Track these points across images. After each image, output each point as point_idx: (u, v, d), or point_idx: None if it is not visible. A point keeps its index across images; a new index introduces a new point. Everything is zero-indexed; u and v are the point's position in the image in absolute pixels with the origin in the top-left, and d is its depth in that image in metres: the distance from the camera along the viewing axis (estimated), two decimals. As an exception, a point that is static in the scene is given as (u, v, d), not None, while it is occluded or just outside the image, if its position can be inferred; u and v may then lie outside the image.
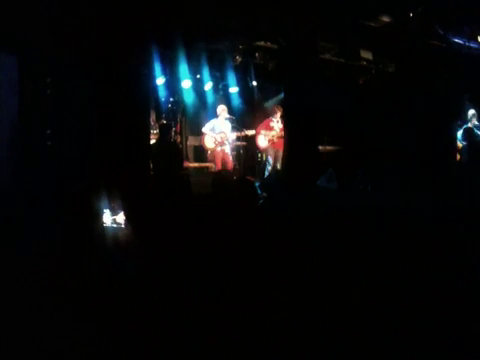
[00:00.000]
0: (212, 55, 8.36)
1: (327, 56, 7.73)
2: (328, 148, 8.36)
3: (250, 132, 8.67)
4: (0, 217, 3.29)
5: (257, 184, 6.55)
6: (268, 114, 8.80)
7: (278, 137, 8.44)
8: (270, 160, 8.59)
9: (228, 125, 8.54)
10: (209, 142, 8.53)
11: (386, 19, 6.34)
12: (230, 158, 8.62)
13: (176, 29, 6.14)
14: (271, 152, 8.59)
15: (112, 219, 3.05)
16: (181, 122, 9.53)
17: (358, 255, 2.47)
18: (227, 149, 8.54)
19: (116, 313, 2.17)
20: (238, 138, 8.79)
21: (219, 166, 8.35)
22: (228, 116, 8.54)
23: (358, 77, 7.93)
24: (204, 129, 8.56)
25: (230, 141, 8.58)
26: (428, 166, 5.25)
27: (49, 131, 4.86)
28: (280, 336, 2.03)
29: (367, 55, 7.25)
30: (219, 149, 8.47)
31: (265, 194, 4.46)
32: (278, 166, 8.44)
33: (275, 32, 6.60)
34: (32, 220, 3.04)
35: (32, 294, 2.23)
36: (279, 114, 8.46)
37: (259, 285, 2.30)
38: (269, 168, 8.56)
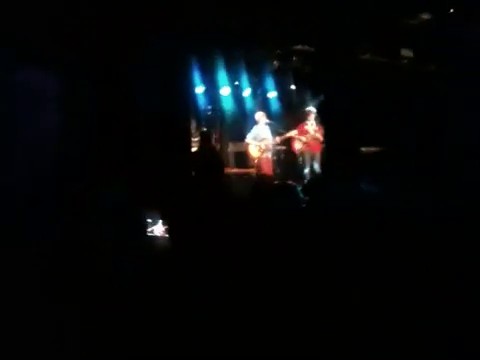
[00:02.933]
0: (250, 61, 8.43)
1: (367, 56, 7.62)
2: (371, 149, 8.22)
3: (290, 133, 8.68)
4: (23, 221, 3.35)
5: (299, 188, 6.57)
6: (304, 118, 8.78)
7: (312, 139, 8.43)
8: (307, 163, 8.57)
9: (268, 131, 8.60)
10: (254, 150, 8.63)
11: (426, 16, 6.20)
12: (271, 165, 8.69)
13: (213, 38, 6.22)
14: (307, 155, 8.59)
15: (151, 230, 3.05)
16: (221, 129, 9.63)
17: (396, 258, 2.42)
18: (270, 155, 8.61)
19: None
20: (278, 143, 8.83)
21: (265, 172, 8.43)
22: (267, 121, 8.60)
23: (399, 76, 7.76)
24: (248, 139, 8.68)
25: (271, 147, 8.63)
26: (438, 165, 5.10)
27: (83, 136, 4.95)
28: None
29: (408, 53, 7.10)
30: (263, 156, 8.55)
31: (307, 198, 4.43)
32: (316, 168, 8.43)
33: (310, 35, 6.57)
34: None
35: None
36: (313, 117, 8.44)
37: (304, 293, 2.29)
38: (306, 171, 8.53)
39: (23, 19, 4.33)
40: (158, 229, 2.93)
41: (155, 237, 2.89)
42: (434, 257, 2.34)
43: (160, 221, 2.84)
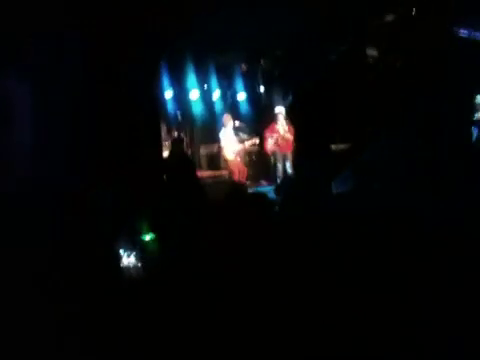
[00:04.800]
0: (218, 64, 8.45)
1: (333, 57, 7.73)
2: (341, 147, 8.35)
3: (253, 141, 8.77)
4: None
5: (271, 188, 6.63)
6: (274, 118, 8.85)
7: (282, 139, 8.52)
8: (279, 163, 8.65)
9: (233, 134, 8.65)
10: (229, 153, 8.64)
11: (390, 17, 6.33)
12: (244, 166, 8.74)
13: (182, 41, 6.19)
14: (279, 155, 8.66)
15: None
16: (191, 132, 9.61)
17: (377, 259, 2.46)
18: (240, 158, 8.67)
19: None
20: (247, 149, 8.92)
21: (236, 175, 8.45)
22: (234, 124, 8.67)
23: (366, 74, 7.90)
24: (222, 142, 8.67)
25: (241, 150, 8.71)
26: (439, 165, 5.21)
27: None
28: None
29: (373, 52, 7.24)
30: (235, 158, 8.60)
31: (279, 198, 4.47)
32: (287, 168, 8.52)
33: (280, 37, 6.63)
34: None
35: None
36: (283, 117, 8.52)
37: (277, 294, 2.30)
38: (278, 171, 8.61)
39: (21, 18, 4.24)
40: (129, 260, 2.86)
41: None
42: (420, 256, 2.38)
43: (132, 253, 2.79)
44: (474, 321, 2.00)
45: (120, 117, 5.27)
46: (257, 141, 8.80)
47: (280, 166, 8.62)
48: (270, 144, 8.68)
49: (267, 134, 8.71)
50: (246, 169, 8.81)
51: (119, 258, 2.82)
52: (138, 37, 5.39)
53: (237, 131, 8.69)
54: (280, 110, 8.59)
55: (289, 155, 8.53)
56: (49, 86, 4.85)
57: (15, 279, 2.40)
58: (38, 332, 2.10)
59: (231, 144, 8.63)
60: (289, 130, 8.48)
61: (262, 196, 3.27)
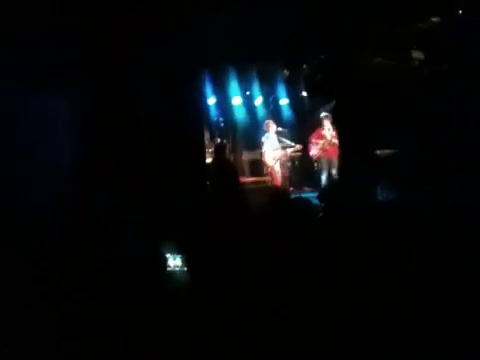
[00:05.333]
0: (260, 70, 8.48)
1: (378, 60, 7.58)
2: (387, 152, 8.16)
3: (296, 147, 8.70)
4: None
5: (315, 195, 6.55)
6: (319, 124, 8.76)
7: (329, 145, 8.41)
8: (324, 169, 8.54)
9: (276, 140, 8.63)
10: (269, 159, 8.64)
11: (435, 19, 6.16)
12: (286, 172, 8.68)
13: (223, 50, 6.25)
14: (324, 161, 8.55)
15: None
16: (234, 139, 9.67)
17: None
18: (281, 164, 8.65)
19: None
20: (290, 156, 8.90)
21: (278, 181, 8.41)
22: (277, 129, 8.65)
23: (411, 77, 7.71)
24: (264, 147, 8.68)
25: (283, 156, 8.68)
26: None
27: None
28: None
29: (419, 55, 7.06)
30: (276, 165, 8.56)
31: (323, 205, 4.42)
32: (333, 174, 8.40)
33: (319, 42, 6.58)
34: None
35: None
36: (329, 122, 8.42)
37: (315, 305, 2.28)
38: (323, 177, 8.50)
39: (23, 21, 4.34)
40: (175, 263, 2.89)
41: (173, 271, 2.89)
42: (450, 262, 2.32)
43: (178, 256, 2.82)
44: (474, 321, 1.94)
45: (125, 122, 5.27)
46: (301, 148, 8.75)
47: (325, 172, 8.52)
48: (316, 150, 8.60)
49: (313, 140, 8.64)
50: (288, 175, 8.79)
51: (163, 262, 2.84)
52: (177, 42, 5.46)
53: (279, 137, 8.68)
54: (326, 114, 8.51)
55: (334, 161, 8.41)
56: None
57: (17, 278, 2.45)
58: (42, 332, 2.15)
59: (273, 150, 8.63)
60: (336, 136, 8.37)
61: (305, 201, 3.24)
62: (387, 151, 8.09)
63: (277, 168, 8.60)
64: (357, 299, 2.26)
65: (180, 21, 5.50)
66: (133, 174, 4.91)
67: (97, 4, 4.83)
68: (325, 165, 8.53)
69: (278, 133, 8.70)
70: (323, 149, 8.50)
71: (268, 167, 8.73)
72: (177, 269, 2.81)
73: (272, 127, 8.64)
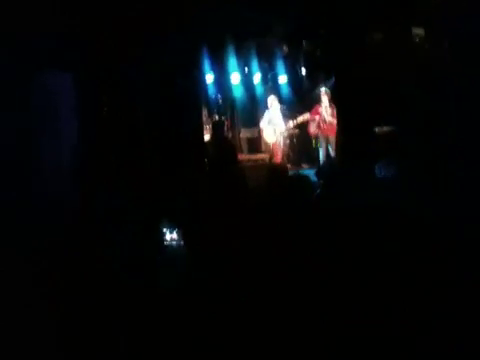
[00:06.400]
0: (259, 47, 8.37)
1: (379, 36, 7.48)
2: (385, 129, 8.12)
3: (302, 117, 8.62)
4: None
5: (312, 171, 6.56)
6: (317, 101, 8.69)
7: (325, 122, 8.36)
8: (322, 146, 8.51)
9: (280, 115, 8.58)
10: (269, 136, 8.60)
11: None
12: (285, 149, 8.67)
13: (222, 26, 6.16)
14: (322, 138, 8.51)
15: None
16: (232, 116, 9.61)
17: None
18: (283, 140, 8.59)
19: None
20: (293, 127, 8.81)
21: (279, 158, 8.40)
22: (279, 106, 8.58)
23: (412, 54, 7.62)
24: (262, 123, 8.64)
25: (285, 132, 8.62)
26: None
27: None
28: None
29: (419, 31, 6.97)
30: (278, 141, 8.52)
31: (321, 182, 4.42)
32: (331, 151, 8.38)
33: (319, 18, 6.48)
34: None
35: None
36: (327, 99, 8.35)
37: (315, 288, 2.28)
38: (321, 154, 8.49)
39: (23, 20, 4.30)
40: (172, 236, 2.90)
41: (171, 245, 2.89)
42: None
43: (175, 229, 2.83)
44: (474, 320, 1.95)
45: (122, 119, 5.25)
46: (307, 117, 8.65)
47: (323, 149, 8.49)
48: (313, 127, 8.56)
49: (310, 116, 8.59)
50: (287, 151, 8.76)
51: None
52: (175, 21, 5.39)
53: (284, 111, 8.61)
54: (324, 91, 8.43)
55: (332, 138, 8.38)
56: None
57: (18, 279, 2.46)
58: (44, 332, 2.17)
59: (274, 126, 8.57)
60: (333, 113, 8.31)
61: (304, 178, 3.22)
62: (386, 128, 8.07)
63: (279, 144, 8.55)
64: (358, 279, 2.27)
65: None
66: (133, 173, 4.89)
67: (97, 4, 4.76)
68: (323, 142, 8.50)
69: (280, 109, 8.63)
70: (319, 126, 8.46)
71: (268, 143, 8.69)
72: (173, 243, 2.82)
73: (275, 103, 8.58)
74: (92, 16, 4.80)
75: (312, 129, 8.61)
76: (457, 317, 1.98)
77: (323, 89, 8.48)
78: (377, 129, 8.08)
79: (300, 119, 8.62)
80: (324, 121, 8.36)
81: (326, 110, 8.37)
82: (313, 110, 8.58)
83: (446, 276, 2.15)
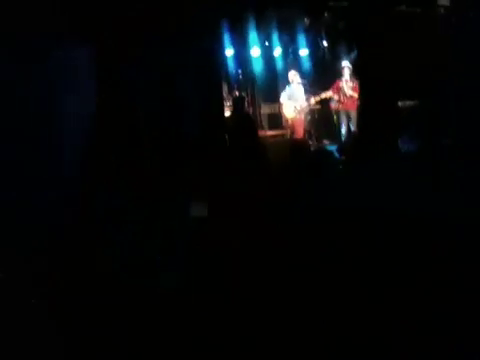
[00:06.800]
0: (280, 19, 8.21)
1: (402, 7, 7.27)
2: (408, 103, 7.96)
3: (325, 94, 8.50)
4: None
5: (334, 147, 6.51)
6: (339, 76, 8.55)
7: (347, 97, 8.22)
8: (343, 122, 8.41)
9: (302, 90, 8.47)
10: (289, 111, 8.52)
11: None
12: (306, 125, 8.60)
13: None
14: (342, 113, 8.39)
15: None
16: (253, 91, 9.53)
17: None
18: (304, 116, 8.50)
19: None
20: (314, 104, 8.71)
21: (300, 133, 8.35)
22: (300, 81, 8.46)
23: (436, 26, 7.39)
24: (282, 98, 8.56)
25: (306, 107, 8.52)
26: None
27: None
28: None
29: (445, 2, 6.74)
30: (298, 116, 8.45)
31: (344, 158, 4.39)
32: (351, 127, 8.27)
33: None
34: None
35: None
36: (348, 73, 8.20)
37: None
38: (342, 130, 8.38)
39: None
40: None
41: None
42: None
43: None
44: (474, 320, 1.93)
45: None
46: (329, 95, 8.51)
47: (344, 125, 8.39)
48: (334, 102, 8.45)
49: (331, 91, 8.47)
50: (308, 128, 8.69)
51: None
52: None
53: (306, 87, 8.50)
54: (346, 64, 8.27)
55: (353, 113, 8.26)
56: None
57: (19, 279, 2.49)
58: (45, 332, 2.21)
59: (295, 102, 8.48)
60: (354, 87, 8.17)
61: (327, 153, 3.20)
62: (409, 102, 7.91)
63: (299, 120, 8.48)
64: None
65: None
66: (133, 172, 4.89)
67: (97, 4, 4.69)
68: (344, 118, 8.39)
69: (301, 84, 8.51)
70: (340, 101, 8.33)
71: (288, 119, 8.62)
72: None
73: (296, 78, 8.46)
74: None
75: (333, 105, 8.51)
76: (457, 317, 1.98)
77: (344, 62, 8.32)
78: (400, 103, 7.94)
79: (323, 95, 8.50)
80: (345, 95, 8.24)
81: (347, 84, 8.24)
82: (334, 85, 8.46)
83: (446, 276, 2.13)
